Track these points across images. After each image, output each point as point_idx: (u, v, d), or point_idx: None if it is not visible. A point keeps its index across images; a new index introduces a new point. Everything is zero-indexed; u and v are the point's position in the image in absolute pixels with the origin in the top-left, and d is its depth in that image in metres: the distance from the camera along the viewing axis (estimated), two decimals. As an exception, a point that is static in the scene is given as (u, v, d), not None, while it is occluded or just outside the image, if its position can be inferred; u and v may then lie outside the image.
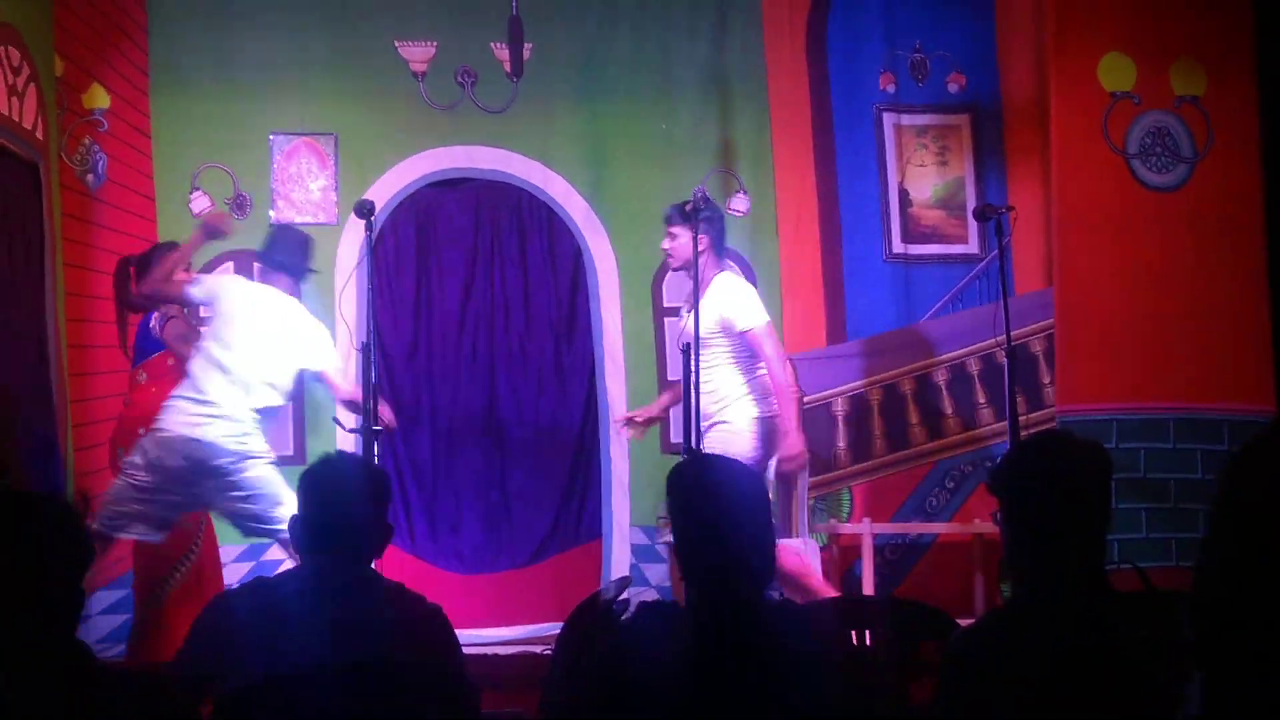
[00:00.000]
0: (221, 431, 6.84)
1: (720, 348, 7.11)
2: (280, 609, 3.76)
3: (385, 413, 6.96)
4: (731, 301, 7.13)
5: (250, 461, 6.90)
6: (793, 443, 7.11)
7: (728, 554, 3.36)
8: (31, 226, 7.58)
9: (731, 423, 7.07)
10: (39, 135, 7.73)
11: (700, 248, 7.05)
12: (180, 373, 7.03)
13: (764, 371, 7.12)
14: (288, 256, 7.24)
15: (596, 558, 8.64)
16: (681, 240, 7.19)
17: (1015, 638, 3.18)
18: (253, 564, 8.18)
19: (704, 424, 6.94)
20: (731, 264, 7.58)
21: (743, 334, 7.11)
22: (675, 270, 7.49)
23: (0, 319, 7.10)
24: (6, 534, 3.01)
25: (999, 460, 3.43)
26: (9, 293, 7.22)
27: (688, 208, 7.15)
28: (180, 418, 6.85)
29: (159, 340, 7.26)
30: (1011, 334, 7.19)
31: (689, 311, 7.06)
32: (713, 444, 6.90)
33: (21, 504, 3.17)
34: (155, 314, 7.26)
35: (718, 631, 3.30)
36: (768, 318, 7.21)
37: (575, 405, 8.83)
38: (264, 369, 6.98)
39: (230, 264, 8.46)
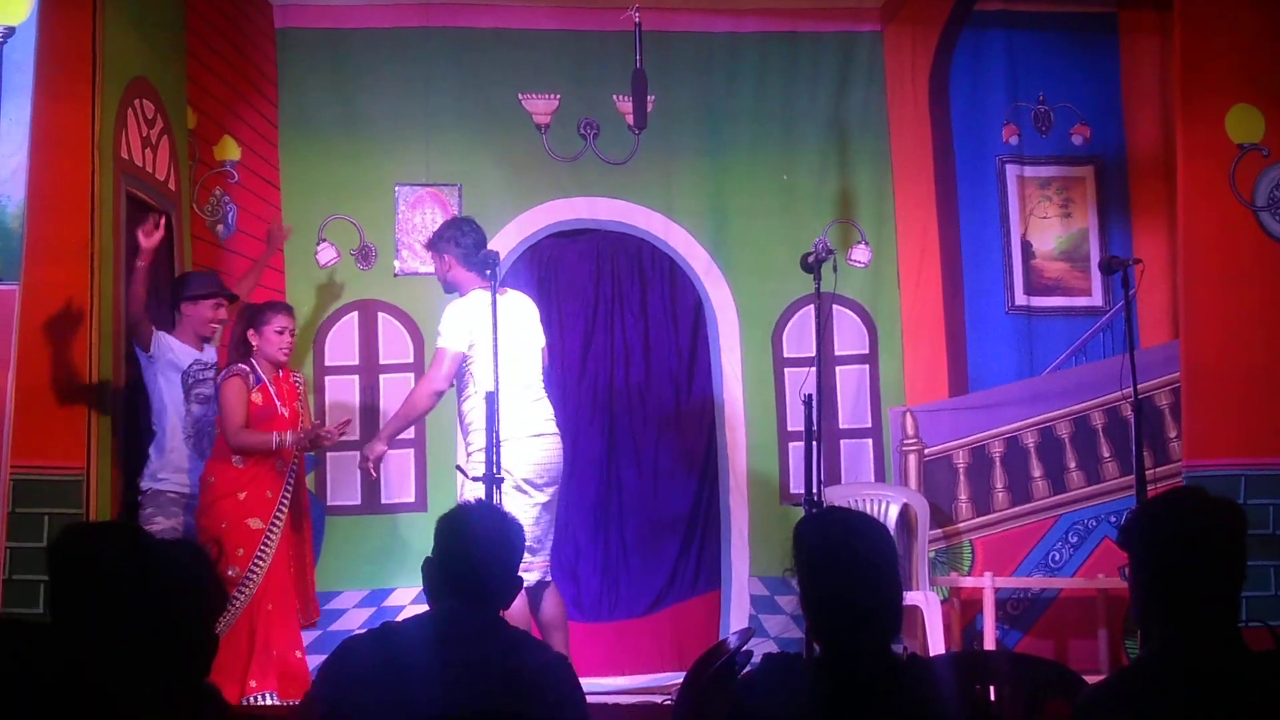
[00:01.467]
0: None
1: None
2: (406, 655, 3.79)
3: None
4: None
5: None
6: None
7: (855, 608, 3.34)
8: (163, 275, 7.73)
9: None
10: (171, 186, 7.89)
11: (446, 268, 7.21)
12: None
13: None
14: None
15: (715, 608, 8.62)
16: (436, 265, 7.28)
17: (1148, 697, 3.14)
18: (374, 609, 8.25)
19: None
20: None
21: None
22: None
23: (134, 364, 7.23)
24: (151, 580, 3.06)
25: (1129, 515, 3.39)
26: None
27: (810, 259, 7.16)
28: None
29: None
30: (1138, 387, 7.10)
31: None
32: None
33: (162, 551, 3.23)
34: (228, 369, 7.28)
35: (845, 685, 3.29)
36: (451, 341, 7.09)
37: (694, 455, 8.83)
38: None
39: (356, 313, 8.57)
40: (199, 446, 7.42)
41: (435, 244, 7.34)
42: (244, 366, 7.24)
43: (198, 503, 7.17)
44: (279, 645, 7.14)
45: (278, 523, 7.20)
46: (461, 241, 7.23)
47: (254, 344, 7.29)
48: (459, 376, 7.10)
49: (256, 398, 7.27)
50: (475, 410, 6.93)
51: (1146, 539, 3.31)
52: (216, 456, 7.20)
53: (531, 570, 6.81)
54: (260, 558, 7.09)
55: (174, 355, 7.39)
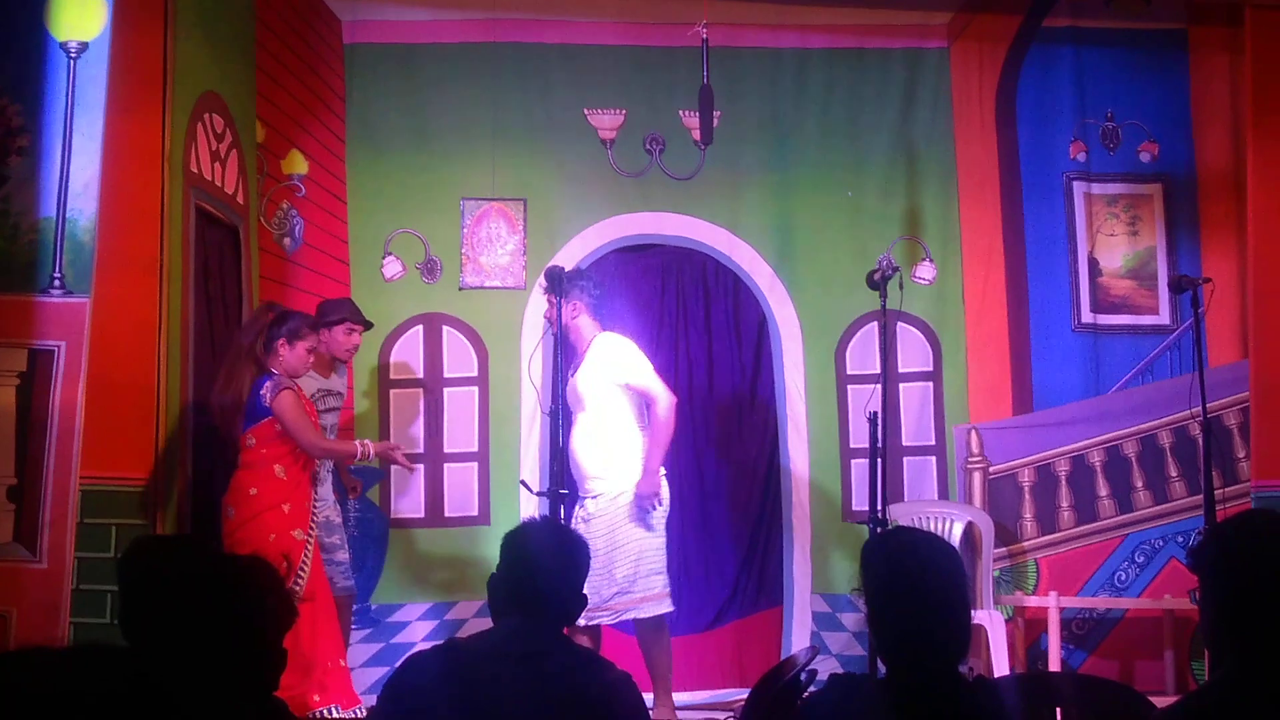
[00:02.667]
0: None
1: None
2: (471, 671, 3.80)
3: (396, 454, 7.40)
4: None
5: None
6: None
7: (923, 631, 3.33)
8: (230, 288, 7.80)
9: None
10: (240, 199, 7.95)
11: (574, 314, 7.38)
12: (284, 440, 7.13)
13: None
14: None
15: (777, 624, 8.60)
16: (554, 309, 7.36)
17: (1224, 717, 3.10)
18: (436, 623, 8.28)
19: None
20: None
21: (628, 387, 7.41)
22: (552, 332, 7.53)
23: (203, 377, 7.28)
24: (220, 594, 3.08)
25: (1199, 538, 3.36)
26: (210, 352, 7.42)
27: (875, 275, 7.16)
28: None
29: (266, 407, 7.19)
30: (1206, 406, 7.05)
31: (574, 373, 7.39)
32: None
33: (230, 565, 3.25)
34: (269, 380, 7.13)
35: (912, 707, 3.27)
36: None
37: (757, 470, 8.82)
38: None
39: (420, 326, 8.61)
40: (325, 474, 7.62)
41: (565, 289, 7.35)
42: (286, 379, 7.19)
43: (234, 513, 7.10)
44: (325, 655, 7.18)
45: (313, 531, 7.24)
46: (592, 293, 7.50)
47: (282, 354, 7.22)
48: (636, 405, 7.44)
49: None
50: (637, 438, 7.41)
51: (1218, 562, 3.27)
52: (254, 467, 7.11)
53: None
54: (304, 567, 7.12)
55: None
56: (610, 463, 7.36)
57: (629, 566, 7.26)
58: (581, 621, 6.88)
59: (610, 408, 7.38)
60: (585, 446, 7.36)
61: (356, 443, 7.31)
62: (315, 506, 7.32)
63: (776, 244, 8.87)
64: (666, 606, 7.37)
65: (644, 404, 7.41)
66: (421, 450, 8.46)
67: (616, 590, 7.22)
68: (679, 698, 7.95)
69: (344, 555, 7.68)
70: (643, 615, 7.29)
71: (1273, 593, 3.16)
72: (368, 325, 7.87)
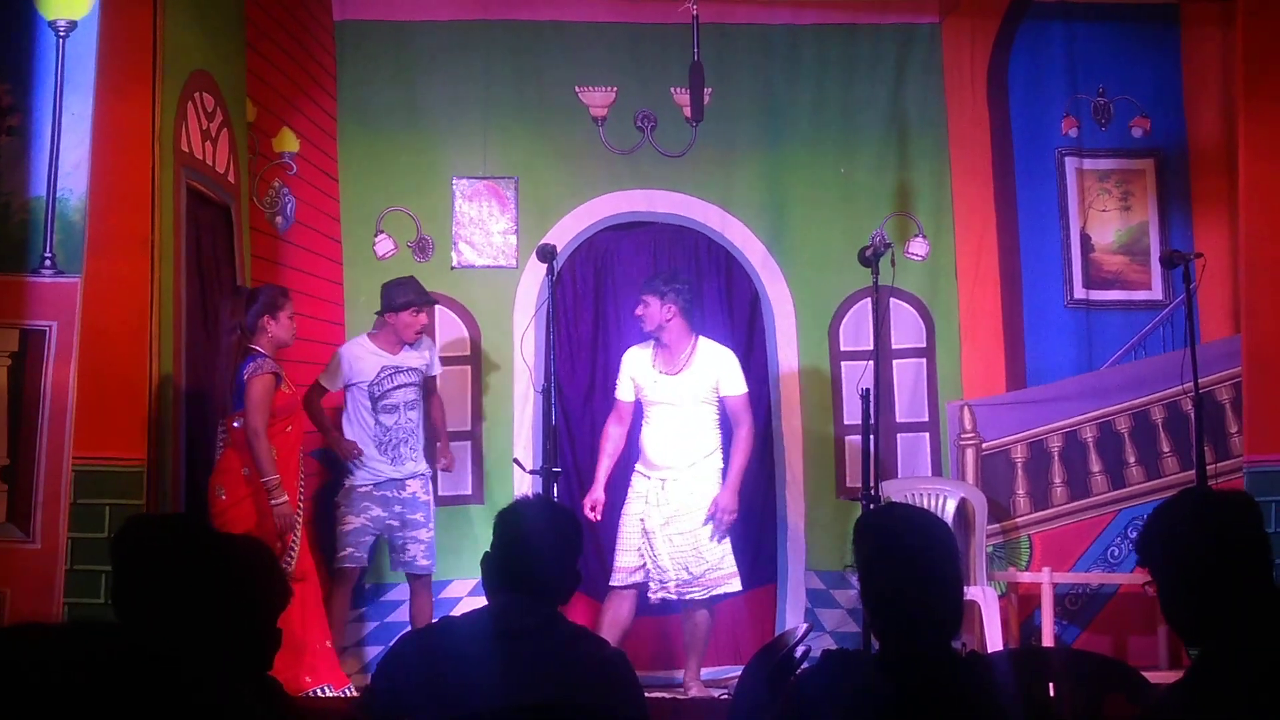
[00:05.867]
0: None
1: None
2: (465, 648, 3.80)
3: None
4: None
5: None
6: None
7: (917, 606, 3.33)
8: (222, 267, 7.79)
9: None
10: (231, 178, 7.94)
11: (669, 315, 7.66)
12: (273, 421, 7.13)
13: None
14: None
15: (770, 602, 8.61)
16: (652, 309, 7.69)
17: (1209, 704, 3.08)
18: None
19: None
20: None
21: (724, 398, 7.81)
22: (648, 332, 7.83)
23: (194, 356, 7.28)
24: (213, 573, 3.08)
25: (1141, 529, 3.31)
26: (202, 331, 7.41)
27: (868, 252, 7.16)
28: None
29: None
30: (1199, 382, 7.06)
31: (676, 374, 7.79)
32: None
33: (224, 544, 3.25)
34: (251, 361, 7.14)
35: (905, 683, 3.27)
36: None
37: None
38: None
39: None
40: (406, 453, 7.80)
41: (662, 292, 7.72)
42: (272, 362, 7.19)
43: (224, 494, 7.11)
44: (313, 636, 7.21)
45: (300, 512, 7.25)
46: (687, 295, 7.78)
47: (268, 329, 7.23)
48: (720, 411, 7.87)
49: (285, 388, 7.28)
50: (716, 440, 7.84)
51: (1163, 552, 3.23)
52: (244, 447, 7.07)
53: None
54: (293, 547, 7.13)
55: (351, 373, 7.82)
56: (697, 459, 7.72)
57: (710, 548, 7.64)
58: (673, 596, 7.65)
59: (707, 410, 7.77)
60: (676, 441, 7.74)
61: (275, 477, 7.05)
62: (302, 486, 7.35)
63: (768, 221, 8.85)
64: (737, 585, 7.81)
65: (722, 412, 7.84)
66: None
67: (708, 567, 7.63)
68: (674, 675, 7.97)
69: (427, 534, 7.79)
70: (731, 590, 7.77)
71: (1219, 568, 3.14)
72: (433, 304, 7.99)
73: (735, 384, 7.80)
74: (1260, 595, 3.14)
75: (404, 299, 7.77)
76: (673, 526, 7.62)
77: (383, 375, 7.77)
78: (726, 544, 7.69)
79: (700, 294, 8.45)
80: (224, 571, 3.10)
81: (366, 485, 7.73)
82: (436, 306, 8.31)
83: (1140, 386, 8.65)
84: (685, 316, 7.76)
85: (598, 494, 7.88)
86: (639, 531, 7.70)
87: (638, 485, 7.79)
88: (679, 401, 7.72)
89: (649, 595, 7.73)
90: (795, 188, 8.86)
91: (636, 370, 7.84)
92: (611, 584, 7.76)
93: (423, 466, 7.85)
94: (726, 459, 7.75)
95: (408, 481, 7.76)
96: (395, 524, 7.74)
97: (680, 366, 7.76)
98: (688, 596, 7.64)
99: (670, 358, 7.77)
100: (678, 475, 7.69)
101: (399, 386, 7.80)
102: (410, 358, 7.85)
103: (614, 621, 7.62)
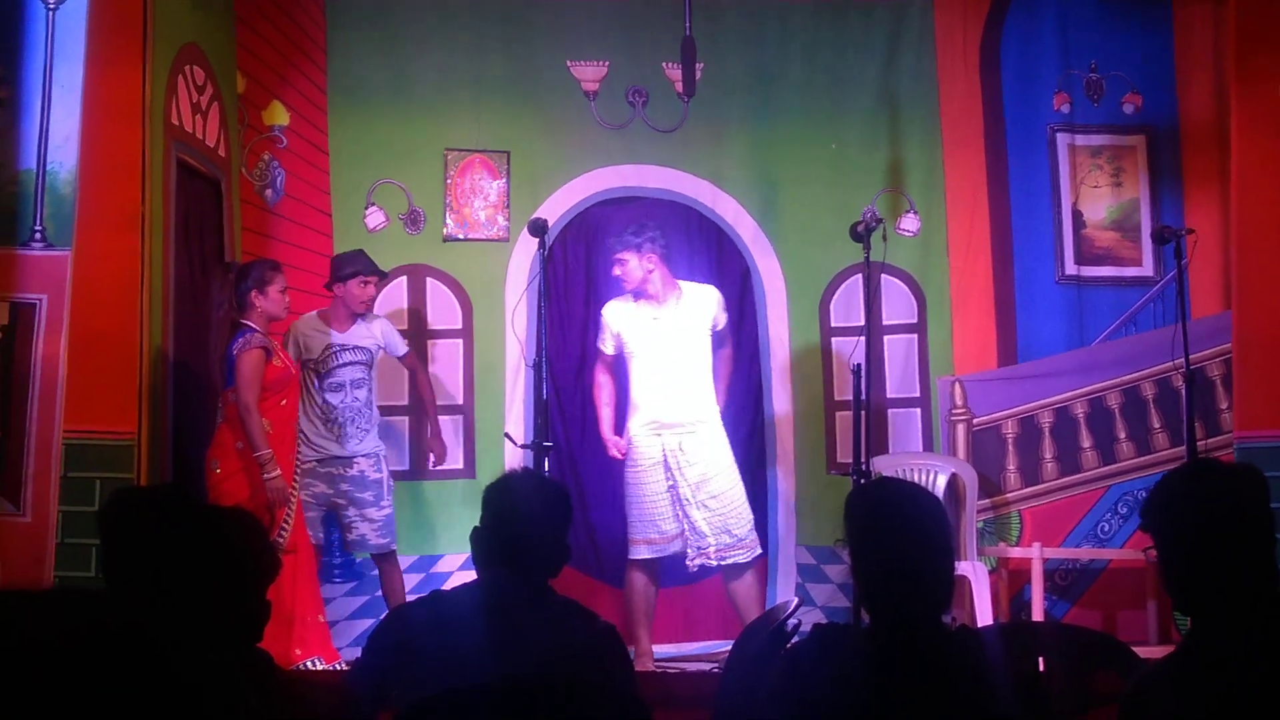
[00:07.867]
0: None
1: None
2: (456, 623, 3.81)
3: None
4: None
5: None
6: None
7: (907, 579, 3.33)
8: (212, 240, 7.78)
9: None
10: (221, 151, 7.92)
11: (650, 267, 7.58)
12: (267, 394, 7.14)
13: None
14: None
15: (762, 576, 8.61)
16: (630, 265, 7.60)
17: (1199, 677, 3.08)
18: (422, 575, 8.29)
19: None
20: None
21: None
22: (631, 292, 7.75)
23: (184, 330, 7.27)
24: (201, 544, 3.08)
25: (1147, 498, 3.32)
26: (192, 304, 7.41)
27: (859, 227, 7.16)
28: None
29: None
30: (1190, 358, 7.06)
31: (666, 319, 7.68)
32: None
33: (212, 516, 3.25)
34: (241, 336, 7.15)
35: (895, 656, 3.28)
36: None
37: (741, 424, 8.81)
38: None
39: (405, 278, 8.59)
40: (353, 431, 7.67)
41: (637, 245, 7.62)
42: (262, 336, 7.19)
43: (219, 467, 7.13)
44: (305, 609, 7.22)
45: (296, 486, 7.25)
46: (661, 242, 7.70)
47: (257, 304, 7.22)
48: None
49: (277, 361, 7.27)
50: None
51: (1168, 519, 3.24)
52: (238, 422, 7.10)
53: None
54: (287, 520, 7.13)
55: (299, 349, 7.70)
56: (708, 413, 7.71)
57: (743, 507, 7.69)
58: (714, 562, 7.63)
59: (703, 352, 7.72)
60: (686, 387, 7.65)
61: (269, 452, 7.05)
62: (299, 461, 7.36)
63: (760, 196, 8.84)
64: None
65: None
66: (405, 403, 8.45)
67: (750, 527, 7.71)
68: (663, 650, 7.98)
69: (378, 513, 7.70)
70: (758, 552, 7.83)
71: (1223, 540, 3.15)
72: (381, 275, 7.87)
73: (723, 315, 7.85)
74: (1259, 569, 3.15)
75: (350, 269, 7.67)
76: (704, 491, 7.58)
77: (328, 353, 7.65)
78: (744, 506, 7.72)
79: (692, 271, 8.46)
80: (211, 543, 3.10)
81: (310, 462, 7.61)
82: (429, 280, 8.29)
83: (1131, 362, 8.65)
84: (666, 263, 7.71)
85: (614, 436, 7.81)
86: (667, 499, 7.60)
87: (648, 449, 7.63)
88: (675, 344, 7.64)
89: (687, 563, 7.69)
90: (787, 163, 8.85)
91: (624, 321, 7.73)
92: (637, 557, 7.65)
93: (370, 445, 7.72)
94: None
95: (355, 460, 7.65)
96: (341, 502, 7.65)
97: (672, 309, 7.70)
98: (728, 561, 7.61)
99: (658, 306, 7.71)
100: (694, 428, 7.62)
101: (344, 365, 7.67)
102: (360, 336, 7.72)
103: (645, 596, 7.61)
